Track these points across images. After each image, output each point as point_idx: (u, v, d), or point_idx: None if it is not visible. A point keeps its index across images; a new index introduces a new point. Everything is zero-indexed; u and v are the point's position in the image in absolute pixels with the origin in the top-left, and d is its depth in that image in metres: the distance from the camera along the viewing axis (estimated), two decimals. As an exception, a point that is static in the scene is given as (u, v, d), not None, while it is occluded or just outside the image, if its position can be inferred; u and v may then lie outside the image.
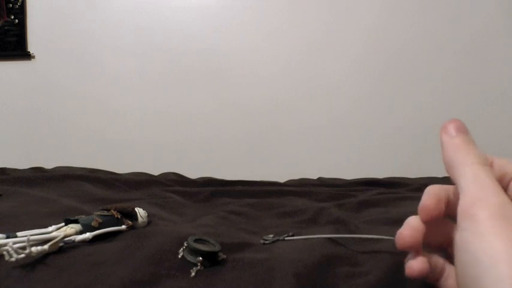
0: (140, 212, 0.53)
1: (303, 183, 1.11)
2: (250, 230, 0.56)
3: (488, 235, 0.20)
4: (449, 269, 0.27)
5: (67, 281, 0.35)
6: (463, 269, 0.22)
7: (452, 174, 0.25)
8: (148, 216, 0.54)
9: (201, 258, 0.38)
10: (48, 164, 1.32)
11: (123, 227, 0.48)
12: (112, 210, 0.49)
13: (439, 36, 1.65)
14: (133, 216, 0.52)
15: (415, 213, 0.27)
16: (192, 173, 1.21)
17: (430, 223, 0.26)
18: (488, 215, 0.21)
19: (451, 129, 0.26)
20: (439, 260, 0.27)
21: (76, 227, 0.45)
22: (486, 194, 0.22)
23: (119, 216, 0.49)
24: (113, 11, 1.71)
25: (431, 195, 0.26)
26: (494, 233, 0.20)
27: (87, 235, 0.43)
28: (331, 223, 0.59)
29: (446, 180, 0.26)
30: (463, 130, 0.26)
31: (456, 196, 0.26)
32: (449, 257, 0.27)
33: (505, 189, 0.25)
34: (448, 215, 0.26)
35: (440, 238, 0.27)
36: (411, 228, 0.26)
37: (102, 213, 0.48)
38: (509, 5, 1.62)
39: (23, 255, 0.36)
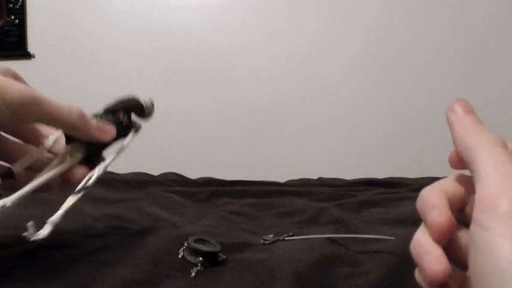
0: (147, 102, 0.45)
1: (303, 183, 1.10)
2: (250, 230, 0.56)
3: None
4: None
5: (67, 281, 0.35)
6: (483, 277, 0.18)
7: (468, 157, 0.21)
8: (153, 104, 0.45)
9: (201, 258, 0.38)
10: (48, 164, 1.32)
11: (128, 138, 0.42)
12: (118, 113, 0.41)
13: (439, 36, 1.64)
14: (141, 110, 0.44)
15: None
16: (192, 173, 1.20)
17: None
18: None
19: (459, 109, 0.23)
20: None
21: (78, 149, 0.39)
22: (511, 182, 0.19)
23: (127, 123, 0.42)
24: (113, 11, 1.71)
25: (440, 209, 0.22)
26: None
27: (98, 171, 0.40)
28: (331, 223, 0.59)
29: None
30: (471, 111, 0.23)
31: (455, 193, 0.23)
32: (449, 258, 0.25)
33: None
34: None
35: None
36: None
37: (107, 118, 0.40)
38: (509, 5, 1.62)
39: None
